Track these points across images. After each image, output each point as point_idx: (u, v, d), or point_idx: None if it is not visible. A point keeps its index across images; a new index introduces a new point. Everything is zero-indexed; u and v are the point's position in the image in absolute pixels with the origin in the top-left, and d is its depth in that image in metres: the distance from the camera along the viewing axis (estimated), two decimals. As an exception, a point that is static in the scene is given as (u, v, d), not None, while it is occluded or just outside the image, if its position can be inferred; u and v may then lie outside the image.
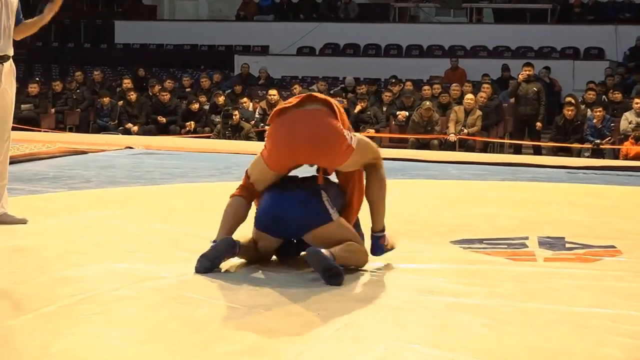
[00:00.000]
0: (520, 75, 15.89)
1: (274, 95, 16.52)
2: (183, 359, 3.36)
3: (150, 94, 17.67)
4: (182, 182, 8.78)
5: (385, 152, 14.44)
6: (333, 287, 4.41)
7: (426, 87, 17.27)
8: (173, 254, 5.12)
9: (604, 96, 16.90)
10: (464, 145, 15.31)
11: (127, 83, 18.04)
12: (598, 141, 14.72)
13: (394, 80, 18.04)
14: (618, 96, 16.48)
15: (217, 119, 16.27)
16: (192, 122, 16.68)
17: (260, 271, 4.75)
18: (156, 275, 4.59)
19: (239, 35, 23.61)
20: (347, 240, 4.70)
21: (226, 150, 12.85)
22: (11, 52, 5.89)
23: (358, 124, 16.34)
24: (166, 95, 17.20)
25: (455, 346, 3.52)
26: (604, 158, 14.39)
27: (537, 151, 15.65)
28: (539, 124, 15.64)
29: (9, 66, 5.88)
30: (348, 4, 23.99)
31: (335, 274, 4.44)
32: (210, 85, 18.79)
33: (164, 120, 16.84)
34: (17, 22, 5.99)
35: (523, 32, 21.80)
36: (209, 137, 15.86)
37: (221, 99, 16.83)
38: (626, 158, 13.96)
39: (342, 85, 19.06)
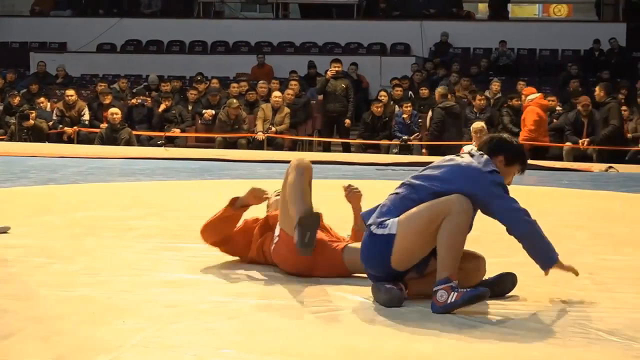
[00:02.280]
0: (328, 72, 16.14)
1: (71, 95, 16.27)
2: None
3: (-63, 94, 17.02)
4: (-26, 188, 8.51)
5: (191, 153, 14.52)
6: (139, 294, 4.38)
7: (233, 85, 17.31)
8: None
9: (410, 92, 17.37)
10: (272, 143, 15.44)
11: None
12: (406, 137, 15.12)
13: (199, 78, 18.01)
14: (425, 92, 16.98)
15: (12, 120, 15.83)
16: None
17: (66, 279, 4.66)
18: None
19: (34, 31, 22.98)
20: None
21: (22, 153, 12.56)
22: None
23: (163, 123, 16.23)
24: (-45, 95, 16.61)
25: (266, 349, 3.55)
26: (412, 154, 14.81)
27: (347, 148, 15.94)
28: (347, 121, 15.94)
29: None
30: (150, -1, 23.73)
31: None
32: (4, 85, 18.25)
33: (-48, 122, 16.25)
34: None
35: (329, 28, 22.13)
36: (2, 140, 15.43)
37: (16, 100, 16.37)
38: (433, 153, 14.39)
39: (146, 84, 18.87)
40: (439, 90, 15.38)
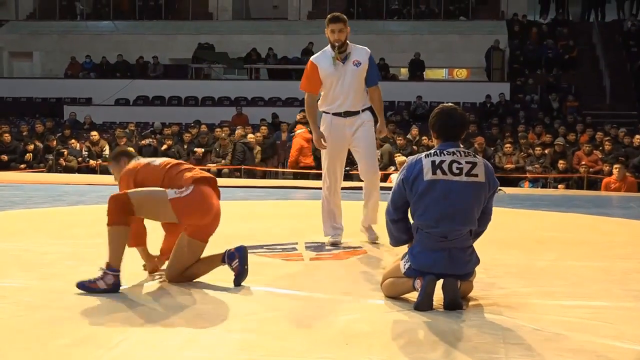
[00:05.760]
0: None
1: (94, 135, 16.30)
2: (25, 352, 3.18)
3: (-7, 137, 16.71)
4: (21, 208, 8.37)
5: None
6: (145, 284, 4.32)
7: (217, 130, 17.26)
8: (15, 267, 4.87)
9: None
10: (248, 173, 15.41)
11: (-27, 129, 16.98)
12: (347, 168, 15.19)
13: (192, 124, 17.94)
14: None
15: (50, 157, 15.66)
16: (29, 155, 15.93)
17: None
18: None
19: (67, 89, 22.81)
20: None
21: (58, 182, 12.39)
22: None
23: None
24: (7, 137, 16.36)
25: (245, 329, 3.51)
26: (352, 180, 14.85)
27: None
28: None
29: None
30: (156, 65, 23.66)
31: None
32: (44, 130, 18.02)
33: (5, 158, 15.99)
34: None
35: (290, 87, 22.06)
36: (42, 172, 15.23)
37: (53, 143, 16.19)
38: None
39: (152, 129, 18.76)
40: (238, 131, 16.23)
